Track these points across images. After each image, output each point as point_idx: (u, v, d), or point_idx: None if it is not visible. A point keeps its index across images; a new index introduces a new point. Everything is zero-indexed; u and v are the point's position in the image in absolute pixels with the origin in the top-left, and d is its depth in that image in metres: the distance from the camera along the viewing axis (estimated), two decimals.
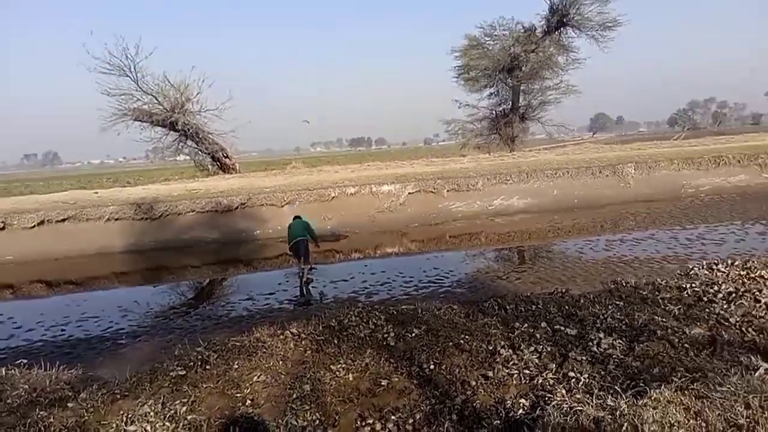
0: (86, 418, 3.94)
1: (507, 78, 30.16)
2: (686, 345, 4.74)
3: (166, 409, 4.00)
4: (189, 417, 3.88)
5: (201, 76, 26.32)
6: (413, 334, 5.33)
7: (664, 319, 5.37)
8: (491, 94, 32.17)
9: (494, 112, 32.22)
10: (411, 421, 3.89)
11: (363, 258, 14.03)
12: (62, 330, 9.42)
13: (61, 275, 14.24)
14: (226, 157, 26.64)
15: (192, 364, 4.91)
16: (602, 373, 4.26)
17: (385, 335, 5.34)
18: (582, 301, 6.30)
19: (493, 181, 19.69)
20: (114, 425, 3.75)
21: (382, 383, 4.39)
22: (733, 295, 6.17)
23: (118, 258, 16.06)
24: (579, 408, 3.24)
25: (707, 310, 5.75)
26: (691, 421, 2.78)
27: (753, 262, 7.53)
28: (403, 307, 6.40)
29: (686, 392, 3.12)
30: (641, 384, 3.48)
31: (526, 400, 3.93)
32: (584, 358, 4.53)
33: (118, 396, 4.33)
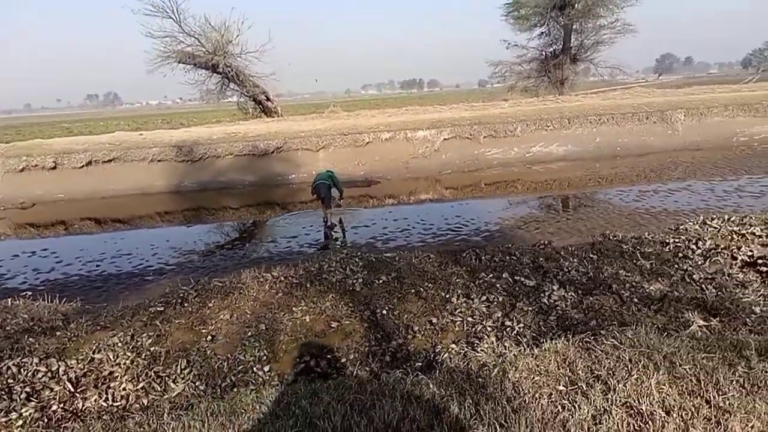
0: (67, 345, 4.43)
1: (559, 16, 28.61)
2: (635, 300, 4.75)
3: (134, 340, 4.42)
4: (152, 348, 4.29)
5: (241, 18, 26.48)
6: (381, 281, 5.54)
7: (629, 274, 5.34)
8: (542, 33, 30.73)
9: (544, 53, 30.85)
10: (344, 360, 4.15)
11: (393, 204, 14.22)
12: (97, 265, 10.13)
13: (108, 213, 15.17)
14: (268, 100, 27.07)
15: (172, 301, 5.33)
16: (540, 323, 4.36)
17: (354, 281, 5.57)
18: (562, 253, 6.30)
19: (532, 127, 19.25)
20: (84, 352, 4.18)
21: (333, 325, 4.66)
22: (712, 251, 6.01)
23: (160, 198, 16.91)
24: (474, 354, 3.39)
25: (677, 266, 5.66)
26: (560, 370, 2.89)
27: (751, 218, 7.22)
28: (385, 255, 6.59)
29: (582, 343, 3.19)
30: (568, 334, 3.56)
31: (457, 345, 4.11)
32: (530, 308, 4.64)
33: (99, 327, 4.80)
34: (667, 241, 6.53)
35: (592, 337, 3.26)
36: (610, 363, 2.88)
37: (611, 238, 6.99)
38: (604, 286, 5.03)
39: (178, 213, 15.31)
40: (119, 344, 4.27)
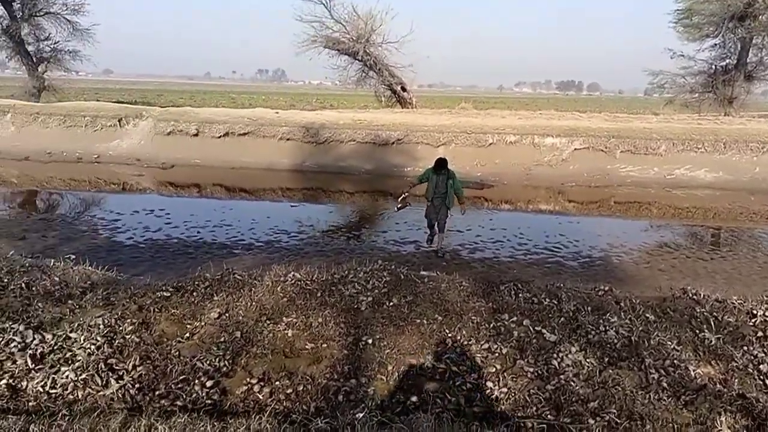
0: (66, 316, 4.52)
1: (737, 27, 24.79)
2: (665, 384, 3.71)
3: (117, 324, 4.39)
4: (128, 336, 4.23)
5: (386, 8, 26.73)
6: (392, 303, 5.02)
7: (679, 348, 4.23)
8: (714, 45, 26.99)
9: (714, 66, 27.02)
10: (290, 390, 3.75)
11: (508, 210, 13.92)
12: (198, 231, 10.73)
13: (235, 182, 16.21)
14: (404, 91, 27.13)
15: (184, 287, 5.28)
16: (530, 391, 3.58)
17: (364, 299, 5.11)
18: (622, 304, 5.22)
19: (679, 147, 17.09)
20: (64, 329, 4.24)
21: (308, 347, 4.27)
22: None
23: (283, 174, 17.66)
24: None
25: (749, 347, 4.39)
26: None
27: None
28: (421, 272, 6.03)
29: None
30: (549, 417, 2.81)
31: (418, 398, 3.51)
32: (532, 369, 3.87)
33: (105, 303, 4.86)
34: (756, 312, 5.15)
35: None
36: None
37: (691, 295, 5.69)
38: (637, 357, 4.05)
39: (297, 191, 15.90)
40: (100, 326, 4.29)
